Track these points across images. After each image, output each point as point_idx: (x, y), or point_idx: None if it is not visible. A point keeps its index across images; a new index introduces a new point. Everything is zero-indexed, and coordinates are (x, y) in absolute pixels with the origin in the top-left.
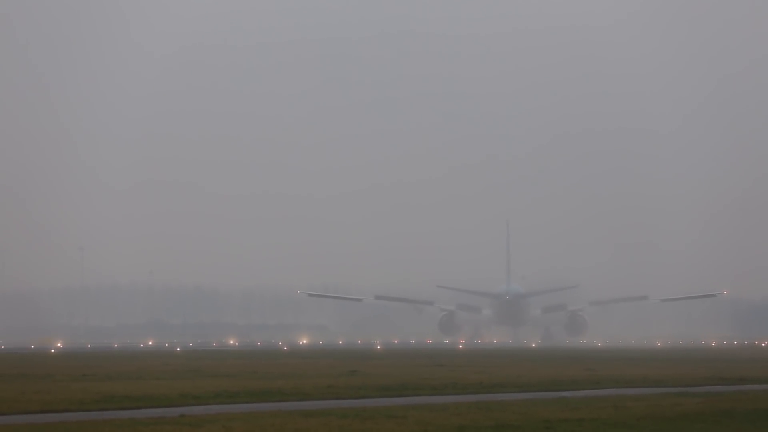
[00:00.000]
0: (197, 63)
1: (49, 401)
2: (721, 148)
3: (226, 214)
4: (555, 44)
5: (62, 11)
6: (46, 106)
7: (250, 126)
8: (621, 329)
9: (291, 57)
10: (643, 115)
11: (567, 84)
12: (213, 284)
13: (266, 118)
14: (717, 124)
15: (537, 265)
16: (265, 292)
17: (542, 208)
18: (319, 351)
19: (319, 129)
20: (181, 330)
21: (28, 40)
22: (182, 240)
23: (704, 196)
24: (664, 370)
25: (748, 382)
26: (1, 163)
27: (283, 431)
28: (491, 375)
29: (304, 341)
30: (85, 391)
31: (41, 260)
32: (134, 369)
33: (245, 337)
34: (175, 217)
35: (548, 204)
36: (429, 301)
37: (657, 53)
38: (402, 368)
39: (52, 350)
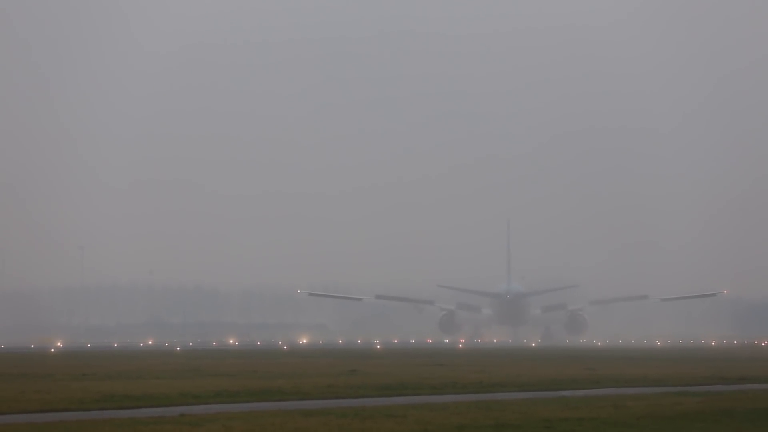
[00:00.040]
0: (197, 62)
1: (49, 400)
2: (721, 147)
3: (226, 213)
4: (555, 43)
5: (62, 10)
6: (46, 105)
7: (250, 125)
8: (621, 328)
9: (291, 56)
10: (643, 114)
11: (567, 83)
12: (213, 283)
13: (266, 117)
14: (717, 123)
15: (537, 264)
16: (264, 291)
17: (542, 207)
18: (319, 350)
19: (319, 128)
20: (181, 329)
21: (28, 39)
22: (182, 239)
23: (704, 195)
24: (664, 370)
25: (748, 381)
26: (1, 162)
27: (282, 430)
28: (491, 374)
29: (304, 340)
30: (85, 390)
31: (41, 259)
32: (134, 368)
33: (245, 336)
34: (175, 216)
35: (548, 203)
36: (429, 300)
37: (657, 52)
38: (402, 367)
39: (52, 349)
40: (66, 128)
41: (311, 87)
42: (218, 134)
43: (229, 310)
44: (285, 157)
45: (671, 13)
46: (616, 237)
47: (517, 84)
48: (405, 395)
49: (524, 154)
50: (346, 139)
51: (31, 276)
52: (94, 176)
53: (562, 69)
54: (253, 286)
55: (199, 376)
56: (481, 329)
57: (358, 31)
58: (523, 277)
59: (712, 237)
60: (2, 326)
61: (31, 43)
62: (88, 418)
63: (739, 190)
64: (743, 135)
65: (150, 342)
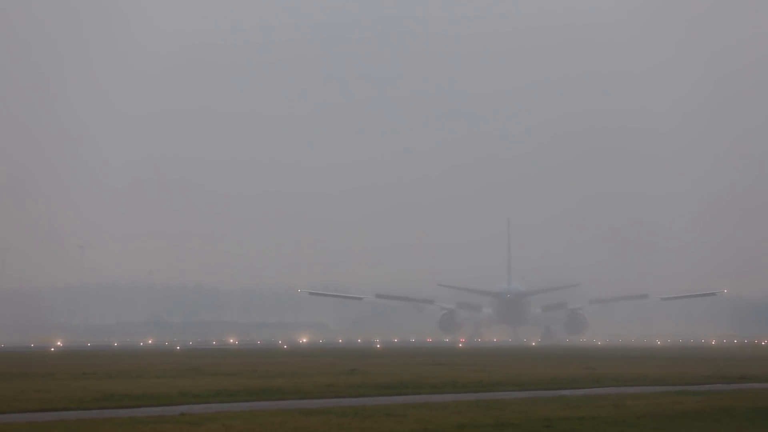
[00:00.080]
0: (197, 62)
1: (49, 400)
2: (721, 147)
3: (226, 213)
4: (555, 43)
5: (62, 9)
6: (46, 105)
7: (250, 125)
8: (621, 328)
9: (291, 56)
10: (643, 113)
11: (567, 83)
12: (213, 283)
13: (266, 117)
14: (717, 123)
15: (537, 263)
16: (264, 290)
17: (542, 207)
18: (319, 349)
19: (319, 127)
20: (181, 328)
21: (29, 39)
22: (182, 238)
23: (704, 194)
24: (664, 369)
25: (748, 380)
26: (1, 161)
27: (283, 430)
28: (491, 373)
29: (304, 340)
30: (85, 389)
31: (41, 259)
32: (134, 367)
33: (245, 335)
34: (175, 215)
35: (548, 202)
36: (429, 299)
37: (657, 52)
38: (402, 367)
39: (52, 349)
40: (66, 128)
41: (311, 87)
42: (218, 134)
43: (229, 309)
44: (285, 156)
45: (671, 13)
46: (616, 236)
47: (517, 84)
48: (405, 394)
49: (524, 154)
50: (346, 138)
51: (31, 275)
52: (94, 176)
53: (562, 69)
54: (253, 286)
55: (199, 376)
56: (481, 328)
57: (358, 31)
58: (523, 276)
59: (712, 236)
60: (2, 325)
61: (31, 43)
62: (88, 418)
63: (739, 189)
64: (743, 134)
65: (150, 341)
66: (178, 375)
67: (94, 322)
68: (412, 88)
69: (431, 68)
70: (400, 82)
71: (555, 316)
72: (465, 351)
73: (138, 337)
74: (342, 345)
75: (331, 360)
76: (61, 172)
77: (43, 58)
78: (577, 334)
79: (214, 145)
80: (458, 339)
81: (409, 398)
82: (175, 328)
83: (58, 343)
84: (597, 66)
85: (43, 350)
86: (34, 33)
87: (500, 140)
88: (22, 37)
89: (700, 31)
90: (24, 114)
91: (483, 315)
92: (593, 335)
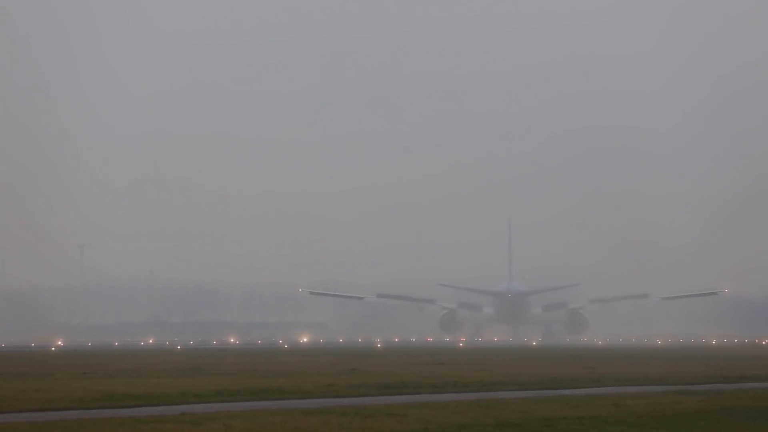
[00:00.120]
0: (197, 61)
1: (49, 399)
2: (721, 146)
3: (226, 212)
4: (555, 43)
5: (63, 9)
6: (46, 104)
7: (250, 124)
8: (621, 327)
9: (291, 55)
10: (643, 113)
11: (567, 82)
12: (213, 282)
13: (266, 117)
14: (717, 122)
15: (537, 263)
16: (265, 290)
17: (542, 206)
18: (320, 349)
19: (319, 127)
20: (181, 328)
21: (29, 38)
22: (182, 238)
23: (704, 194)
24: (664, 368)
25: (748, 380)
26: (2, 161)
27: (283, 429)
28: (492, 373)
29: (305, 339)
30: (85, 389)
31: (41, 258)
32: (135, 367)
33: (245, 335)
34: (175, 215)
35: (548, 202)
36: (430, 299)
37: (657, 51)
38: (402, 366)
39: (53, 348)
40: (66, 128)
41: (311, 86)
42: (218, 134)
43: (230, 308)
44: (285, 156)
45: (671, 13)
46: (617, 236)
47: (517, 83)
48: (406, 394)
49: (524, 154)
50: (346, 138)
51: (32, 275)
52: (95, 175)
53: (562, 68)
54: (253, 285)
55: (199, 375)
56: (481, 328)
57: (358, 31)
58: (524, 276)
59: (713, 236)
60: (3, 325)
61: (32, 43)
62: (89, 417)
63: (739, 189)
64: (743, 134)
65: (150, 341)
66: (178, 374)
67: (95, 322)
68: (412, 88)
69: (431, 68)
70: (400, 81)
71: (555, 316)
72: (465, 350)
73: (138, 337)
74: (342, 344)
75: (331, 359)
76: (61, 172)
77: (44, 58)
78: (577, 334)
79: (214, 145)
80: (459, 338)
81: (410, 398)
82: (176, 327)
83: (59, 343)
84: (597, 66)
85: (43, 350)
86: (35, 33)
87: (500, 140)
88: (23, 37)
89: (700, 31)
90: (24, 114)
91: (484, 315)
92: (594, 335)
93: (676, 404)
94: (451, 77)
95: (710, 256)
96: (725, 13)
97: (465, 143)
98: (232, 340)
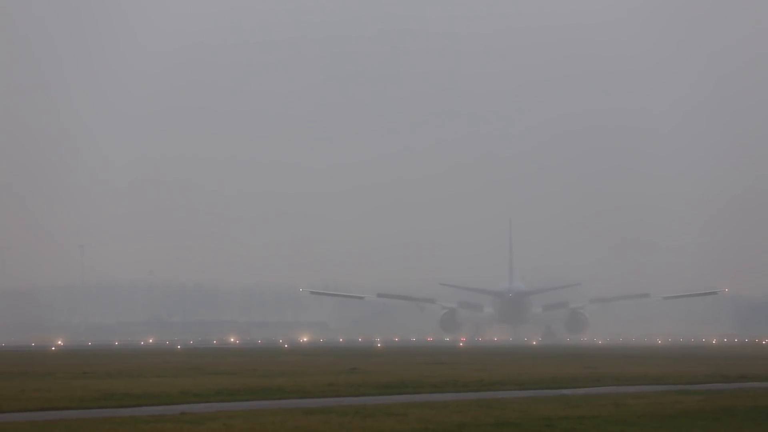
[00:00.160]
0: (197, 61)
1: (49, 399)
2: (721, 146)
3: (226, 212)
4: (554, 42)
5: (63, 9)
6: (46, 104)
7: (250, 124)
8: (621, 327)
9: (291, 55)
10: (643, 112)
11: (566, 82)
12: (213, 282)
13: (266, 116)
14: (717, 122)
15: (537, 262)
16: (265, 289)
17: (542, 206)
18: (320, 348)
19: (319, 126)
20: (181, 327)
21: (29, 38)
22: (182, 238)
23: (704, 193)
24: (664, 368)
25: (748, 379)
26: (2, 160)
27: (283, 429)
28: (492, 372)
29: (305, 339)
30: (85, 388)
31: (41, 258)
32: (135, 366)
33: (246, 334)
34: (175, 214)
35: (548, 201)
36: (431, 298)
37: (656, 51)
38: (402, 366)
39: (53, 348)
40: (66, 127)
41: (311, 86)
42: (218, 133)
43: (230, 308)
44: (285, 155)
45: (671, 12)
46: (617, 235)
47: (517, 83)
48: (406, 393)
49: (524, 153)
50: (346, 137)
51: (32, 274)
52: (95, 175)
53: (562, 68)
54: (253, 285)
55: (199, 375)
56: (482, 328)
57: (357, 30)
58: (524, 276)
59: (713, 235)
60: (3, 324)
61: (32, 43)
62: (89, 417)
63: (739, 188)
64: (743, 133)
65: (150, 340)
66: (178, 374)
67: (95, 322)
68: (412, 88)
69: (431, 67)
70: (400, 81)
71: (556, 316)
72: (466, 350)
73: (138, 337)
74: (343, 344)
75: (331, 359)
76: (62, 172)
77: (44, 58)
78: (577, 334)
79: (215, 145)
80: (459, 338)
81: (410, 397)
82: (176, 327)
83: (59, 343)
84: (597, 65)
85: (43, 349)
86: (35, 32)
87: (500, 139)
88: (23, 37)
89: (700, 30)
90: (24, 113)
91: (484, 314)
92: (594, 334)
93: (677, 404)
94: (451, 77)
95: (710, 256)
96: (725, 13)
97: (465, 143)
98: (232, 340)
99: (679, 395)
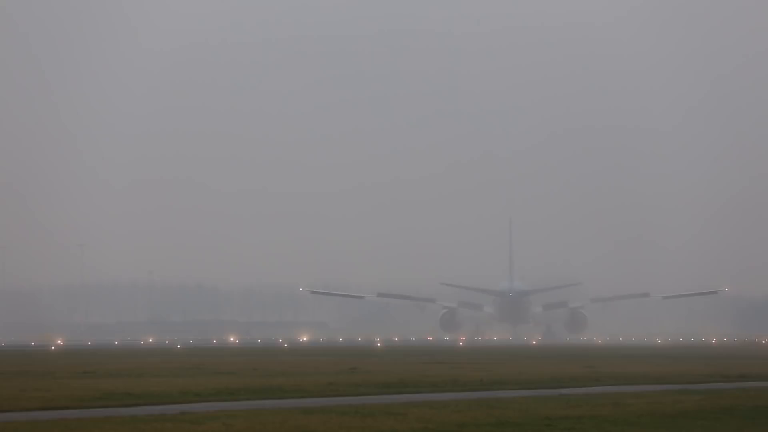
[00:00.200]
0: (197, 60)
1: (49, 398)
2: (720, 145)
3: (226, 211)
4: (554, 41)
5: (63, 8)
6: (46, 103)
7: (250, 123)
8: (621, 326)
9: (291, 54)
10: (642, 112)
11: (566, 81)
12: (213, 281)
13: (266, 115)
14: (716, 121)
15: (537, 261)
16: (265, 289)
17: (541, 205)
18: (320, 348)
19: (318, 126)
20: (181, 327)
21: (29, 37)
22: (183, 237)
23: (704, 193)
24: (664, 368)
25: (748, 379)
26: (2, 160)
27: (283, 428)
28: (492, 372)
29: (305, 338)
30: (85, 388)
31: (42, 257)
32: (135, 366)
33: (245, 334)
34: (175, 214)
35: (547, 201)
36: (431, 298)
37: (655, 50)
38: (402, 365)
39: (53, 347)
40: (66, 126)
41: (311, 85)
42: (218, 132)
43: (230, 308)
44: (285, 155)
45: (670, 12)
46: (617, 235)
47: (516, 82)
48: (405, 393)
49: (523, 152)
50: (346, 137)
51: (32, 274)
52: (95, 174)
53: (561, 67)
54: (253, 284)
55: (199, 374)
56: (482, 327)
57: (356, 30)
58: (524, 276)
59: (713, 235)
60: (3, 324)
61: (32, 42)
62: (89, 416)
63: (738, 187)
64: (743, 133)
65: (150, 340)
66: (178, 374)
67: (95, 321)
68: (411, 86)
69: (430, 66)
70: (399, 80)
71: (556, 315)
72: (465, 350)
73: (138, 336)
74: (342, 344)
75: (331, 359)
76: (62, 171)
77: (44, 57)
78: (577, 333)
79: (215, 144)
80: (459, 338)
81: (410, 397)
82: (176, 326)
83: (59, 342)
84: (596, 65)
85: (43, 349)
86: (35, 32)
87: (499, 138)
88: (23, 37)
89: (699, 30)
90: (25, 113)
91: (484, 314)
92: (594, 334)
93: (676, 403)
94: (450, 76)
95: (710, 255)
96: (724, 12)
97: (464, 142)
98: (232, 340)
99: (679, 395)
